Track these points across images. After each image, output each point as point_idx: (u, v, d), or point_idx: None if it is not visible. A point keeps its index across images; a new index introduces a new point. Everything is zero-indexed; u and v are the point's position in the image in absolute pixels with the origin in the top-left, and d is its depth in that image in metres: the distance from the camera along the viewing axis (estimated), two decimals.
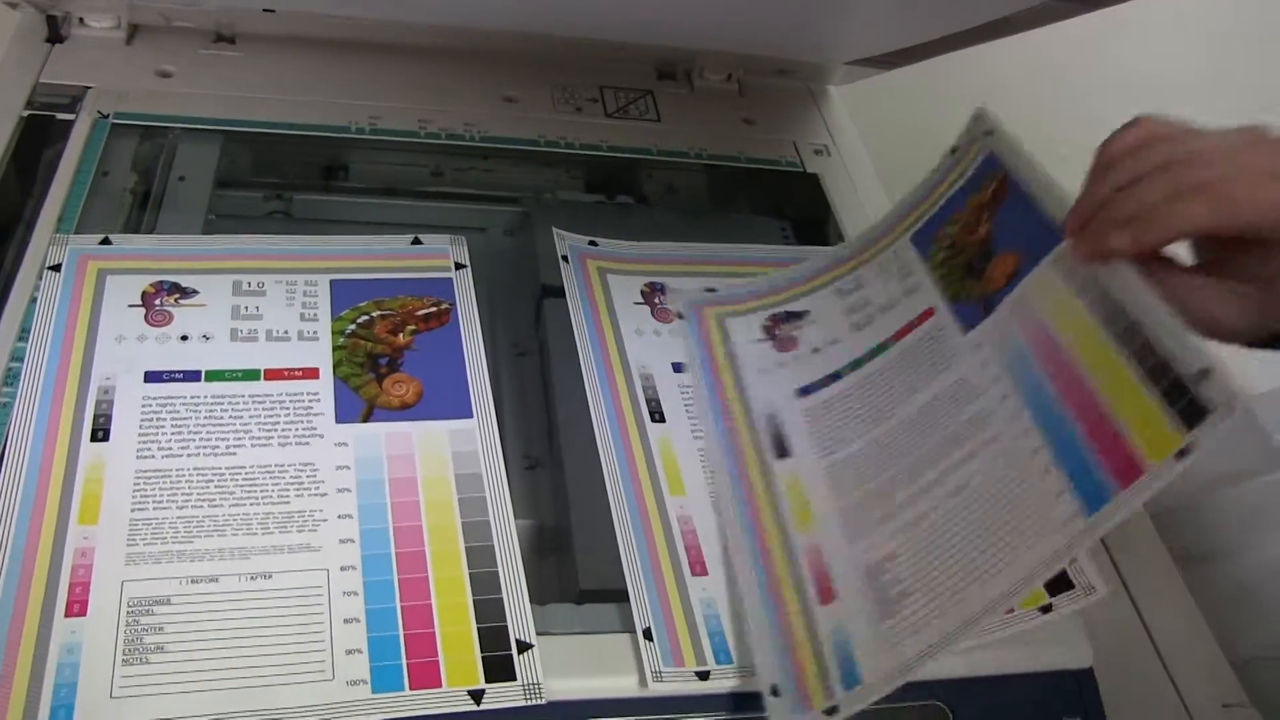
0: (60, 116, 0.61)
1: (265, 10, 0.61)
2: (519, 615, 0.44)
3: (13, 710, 0.38)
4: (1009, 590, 0.41)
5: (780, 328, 0.56)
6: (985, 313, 0.49)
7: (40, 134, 0.60)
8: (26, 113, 0.61)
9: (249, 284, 0.54)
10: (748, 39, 0.65)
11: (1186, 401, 0.38)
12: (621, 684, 0.43)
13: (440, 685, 0.41)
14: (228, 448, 0.47)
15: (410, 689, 0.41)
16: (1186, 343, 0.39)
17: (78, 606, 0.41)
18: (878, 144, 0.72)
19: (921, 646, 0.41)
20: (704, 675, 0.44)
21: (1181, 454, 0.37)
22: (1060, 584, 0.45)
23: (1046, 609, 0.45)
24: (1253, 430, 0.57)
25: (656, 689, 0.43)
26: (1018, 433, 0.44)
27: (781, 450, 0.51)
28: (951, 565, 0.43)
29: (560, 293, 0.58)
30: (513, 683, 0.42)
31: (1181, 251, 0.44)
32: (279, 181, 0.65)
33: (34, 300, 0.51)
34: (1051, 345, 0.45)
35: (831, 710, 0.41)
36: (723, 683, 0.43)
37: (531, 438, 0.54)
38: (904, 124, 0.79)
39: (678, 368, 0.55)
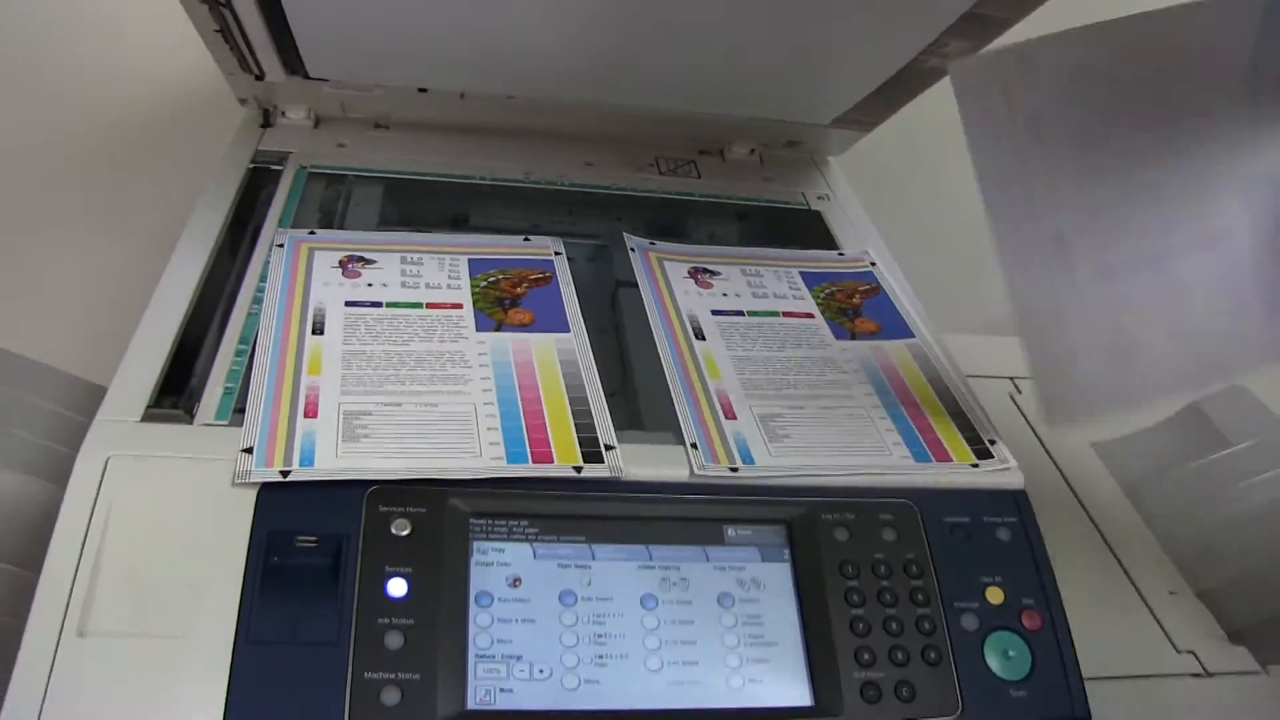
0: (274, 167, 0.86)
1: (419, 90, 0.86)
2: (605, 428, 0.64)
3: (277, 461, 0.58)
4: (850, 468, 0.64)
5: (700, 276, 0.79)
6: (851, 337, 0.76)
7: (262, 177, 0.85)
8: (251, 165, 0.86)
9: (411, 258, 0.77)
10: (754, 105, 0.89)
11: (978, 446, 0.66)
12: (677, 472, 0.63)
13: (552, 461, 0.61)
14: (403, 341, 0.69)
15: (532, 463, 0.61)
16: (981, 419, 0.69)
17: (311, 411, 0.62)
18: (862, 191, 0.96)
19: (794, 464, 0.63)
20: (734, 470, 0.63)
21: (973, 467, 0.65)
22: (983, 454, 0.66)
23: (974, 466, 0.65)
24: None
25: (700, 475, 0.62)
26: (868, 403, 0.70)
27: (699, 336, 0.73)
28: (816, 437, 0.66)
29: (631, 284, 0.80)
30: (601, 464, 0.61)
31: None
32: (422, 222, 0.89)
33: (267, 264, 0.74)
34: (898, 377, 0.72)
35: (733, 469, 0.62)
36: (741, 475, 0.63)
37: (609, 375, 0.75)
38: (879, 178, 1.03)
39: (716, 312, 0.77)
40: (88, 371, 0.71)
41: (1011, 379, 0.86)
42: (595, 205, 0.92)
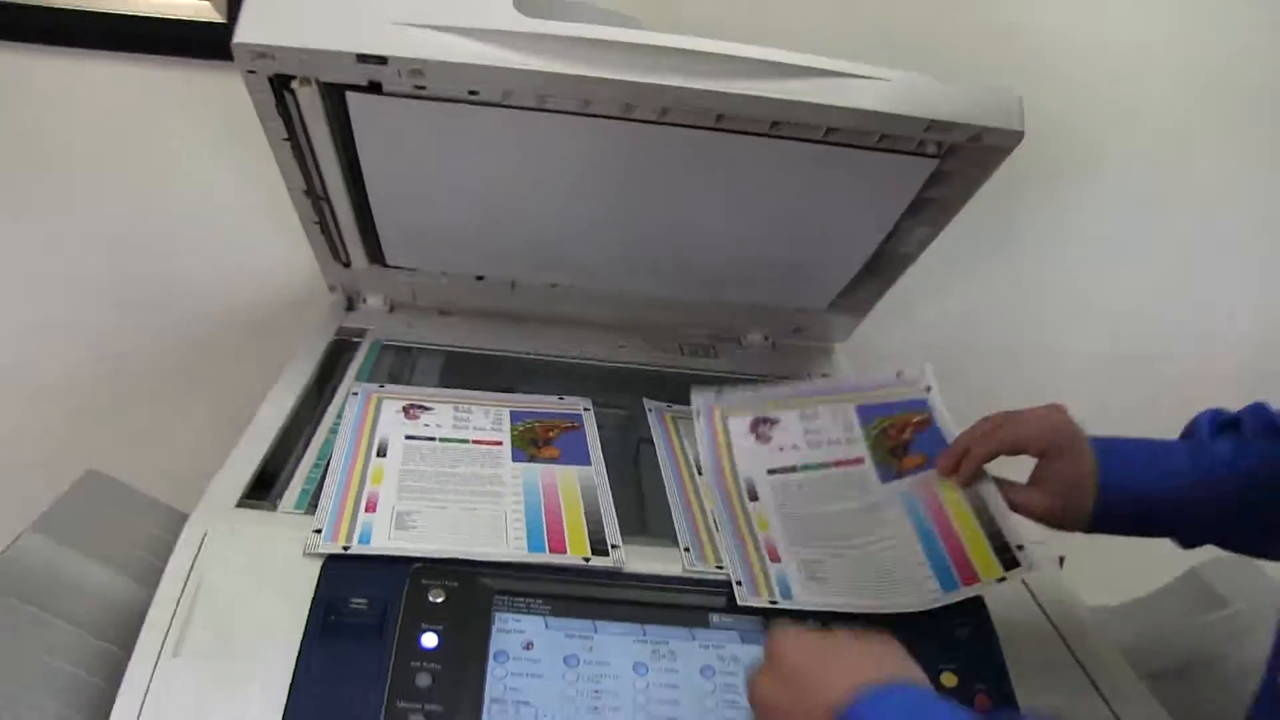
0: (353, 340, 1.03)
1: (477, 278, 1.04)
2: (613, 531, 0.76)
3: (341, 539, 0.71)
4: (884, 607, 0.73)
5: (760, 428, 0.91)
6: (897, 477, 0.84)
7: (343, 347, 1.02)
8: (334, 339, 1.03)
9: (463, 408, 0.92)
10: (761, 292, 1.05)
11: (1007, 555, 0.74)
12: (670, 568, 0.74)
13: (565, 552, 0.73)
14: (450, 465, 0.82)
15: (549, 552, 0.73)
16: (1011, 525, 0.75)
17: (371, 508, 0.75)
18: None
19: (830, 602, 0.73)
20: (720, 568, 0.74)
21: (1001, 580, 0.73)
22: (1010, 564, 0.74)
23: (1002, 579, 0.74)
24: None
25: (690, 571, 0.74)
26: (907, 540, 0.78)
27: (754, 497, 0.84)
28: (854, 582, 0.76)
29: (649, 441, 0.94)
30: (607, 557, 0.73)
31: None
32: (473, 388, 1.05)
33: (343, 406, 0.89)
34: (938, 506, 0.80)
35: (773, 603, 0.72)
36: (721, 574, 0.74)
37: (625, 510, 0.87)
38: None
39: (771, 471, 0.88)
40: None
41: None
42: (624, 380, 1.07)
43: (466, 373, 1.05)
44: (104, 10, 1.10)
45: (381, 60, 0.73)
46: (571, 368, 1.06)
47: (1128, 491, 0.72)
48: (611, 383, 1.08)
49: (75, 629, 0.76)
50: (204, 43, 1.12)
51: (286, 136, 0.82)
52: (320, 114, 0.79)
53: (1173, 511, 0.72)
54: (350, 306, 1.09)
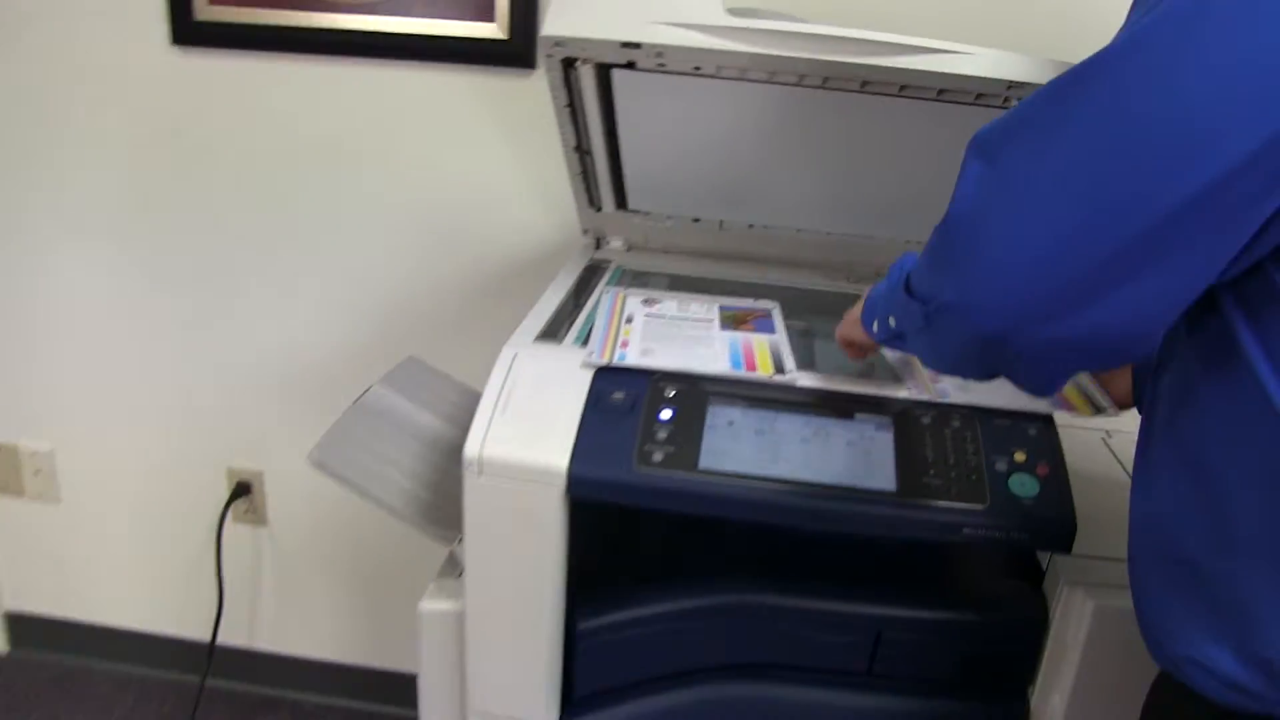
0: (601, 266, 1.40)
1: (693, 219, 1.39)
2: (790, 361, 1.09)
3: (605, 357, 1.07)
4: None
5: None
6: None
7: (593, 271, 1.39)
8: (588, 264, 1.40)
9: (684, 301, 1.27)
10: (910, 231, 1.37)
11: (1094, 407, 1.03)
12: (828, 384, 1.07)
13: (755, 370, 1.07)
14: (676, 331, 1.18)
15: (745, 369, 1.07)
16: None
17: (624, 346, 1.11)
18: None
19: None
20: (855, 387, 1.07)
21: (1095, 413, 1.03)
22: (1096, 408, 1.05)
23: (1097, 411, 1.05)
24: None
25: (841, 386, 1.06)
26: None
27: None
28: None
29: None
30: (783, 374, 1.07)
31: None
32: None
33: (599, 298, 1.26)
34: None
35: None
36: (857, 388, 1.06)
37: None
38: None
39: None
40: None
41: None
42: (805, 299, 1.41)
43: (685, 291, 1.40)
44: (414, 31, 1.54)
45: (636, 46, 1.09)
46: (765, 290, 1.40)
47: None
48: (795, 302, 1.41)
49: (413, 435, 1.16)
50: (491, 54, 1.53)
51: (568, 103, 1.20)
52: (593, 85, 1.17)
53: None
54: (597, 246, 1.46)
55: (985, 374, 0.78)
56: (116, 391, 1.87)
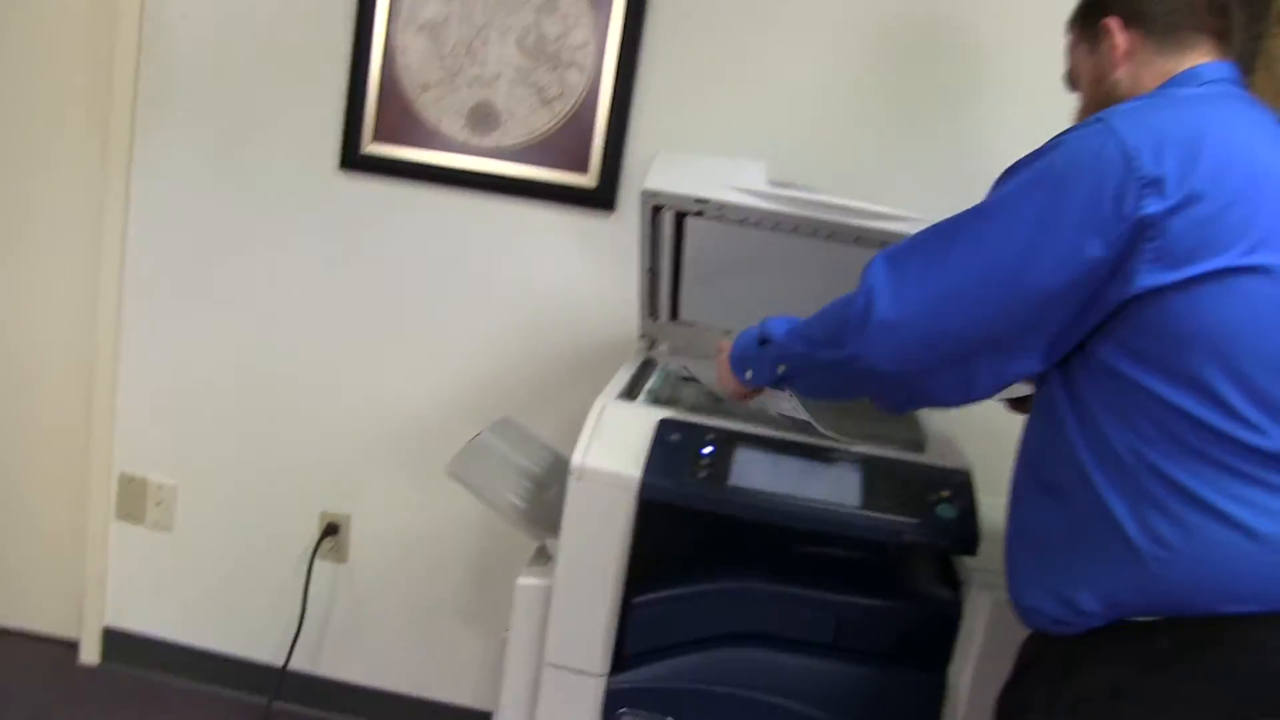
0: (652, 362, 1.87)
1: (725, 332, 1.87)
2: None
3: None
4: None
5: None
6: None
7: (647, 366, 1.86)
8: (643, 360, 1.87)
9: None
10: None
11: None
12: None
13: None
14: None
15: None
16: None
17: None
18: None
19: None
20: None
21: None
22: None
23: None
24: None
25: None
26: None
27: None
28: None
29: None
30: None
31: None
32: None
33: (655, 378, 1.72)
34: None
35: None
36: None
37: None
38: None
39: None
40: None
41: None
42: None
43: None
44: (527, 176, 2.05)
45: (705, 201, 1.58)
46: None
47: None
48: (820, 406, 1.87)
49: (513, 466, 1.61)
50: (583, 198, 2.05)
51: (649, 238, 1.69)
52: (669, 227, 1.66)
53: None
54: (651, 348, 1.93)
55: (852, 397, 1.29)
56: (239, 439, 2.31)
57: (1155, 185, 1.03)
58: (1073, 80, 1.34)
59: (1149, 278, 1.04)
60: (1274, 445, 1.03)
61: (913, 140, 1.98)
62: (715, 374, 1.50)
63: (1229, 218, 1.03)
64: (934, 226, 1.19)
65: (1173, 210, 1.03)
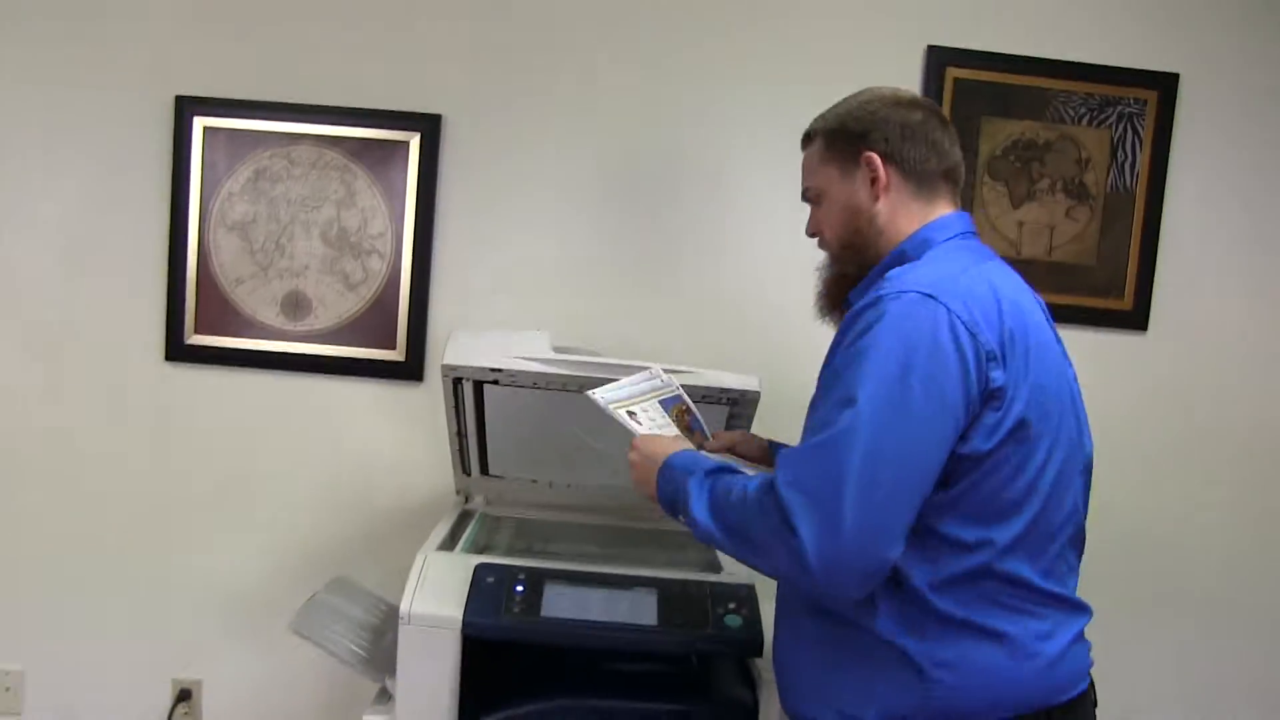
0: (469, 514, 2.09)
1: (531, 480, 2.11)
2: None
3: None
4: None
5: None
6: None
7: (464, 518, 2.07)
8: (458, 514, 2.08)
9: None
10: None
11: None
12: None
13: None
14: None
15: None
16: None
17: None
18: None
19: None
20: None
21: None
22: None
23: None
24: None
25: None
26: None
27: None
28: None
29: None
30: None
31: None
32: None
33: (470, 532, 1.94)
34: None
35: None
36: None
37: None
38: None
39: None
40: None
41: None
42: (629, 537, 2.11)
43: (530, 534, 2.09)
44: (342, 355, 2.27)
45: (499, 370, 1.83)
46: (582, 531, 2.10)
47: None
48: (621, 539, 2.10)
49: (349, 618, 1.79)
50: (393, 371, 2.28)
51: (454, 406, 1.92)
52: (470, 394, 1.90)
53: None
54: (467, 501, 2.15)
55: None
56: (80, 615, 2.38)
57: (995, 359, 1.16)
58: (815, 197, 1.41)
59: (979, 443, 1.17)
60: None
61: (668, 282, 2.32)
62: (630, 474, 1.49)
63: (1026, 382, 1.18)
64: (814, 447, 1.17)
65: (1009, 378, 1.16)
